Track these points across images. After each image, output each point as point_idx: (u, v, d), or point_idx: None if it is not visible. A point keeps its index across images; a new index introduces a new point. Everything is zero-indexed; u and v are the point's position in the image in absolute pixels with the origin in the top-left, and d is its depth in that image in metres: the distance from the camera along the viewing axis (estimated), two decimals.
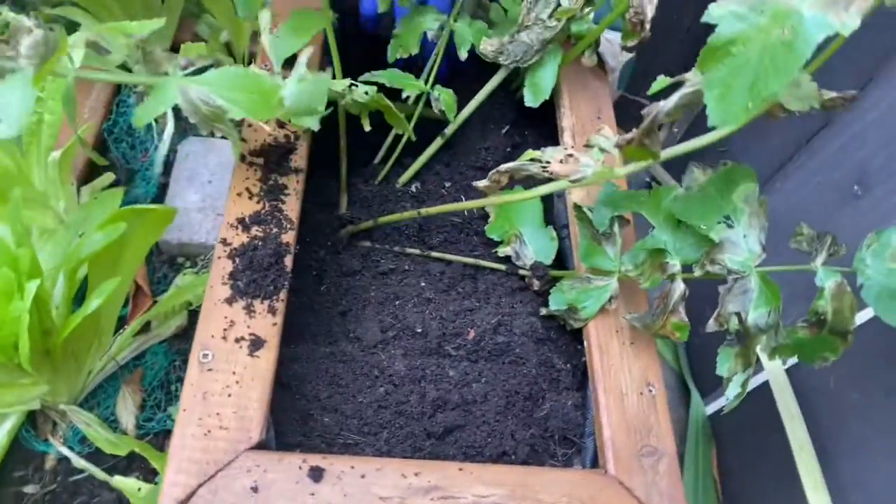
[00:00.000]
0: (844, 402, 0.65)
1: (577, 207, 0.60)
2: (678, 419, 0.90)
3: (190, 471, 0.46)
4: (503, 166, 0.54)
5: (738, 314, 0.50)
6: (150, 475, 0.80)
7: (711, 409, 0.87)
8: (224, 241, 0.56)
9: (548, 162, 0.51)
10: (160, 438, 0.83)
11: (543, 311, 0.63)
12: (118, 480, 0.77)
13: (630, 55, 0.74)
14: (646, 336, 0.59)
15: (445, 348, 0.62)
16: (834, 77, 0.74)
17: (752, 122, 0.95)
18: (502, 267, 0.67)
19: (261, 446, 0.48)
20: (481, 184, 0.57)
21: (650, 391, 0.57)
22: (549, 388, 0.62)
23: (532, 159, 0.52)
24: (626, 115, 1.11)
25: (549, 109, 0.74)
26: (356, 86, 0.61)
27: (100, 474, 0.78)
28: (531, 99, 0.68)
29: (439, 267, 0.67)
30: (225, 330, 0.52)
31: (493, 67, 0.69)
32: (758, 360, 0.75)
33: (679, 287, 0.52)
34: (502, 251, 0.67)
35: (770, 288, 0.50)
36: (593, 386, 0.56)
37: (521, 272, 0.66)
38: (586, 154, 0.52)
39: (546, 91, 0.67)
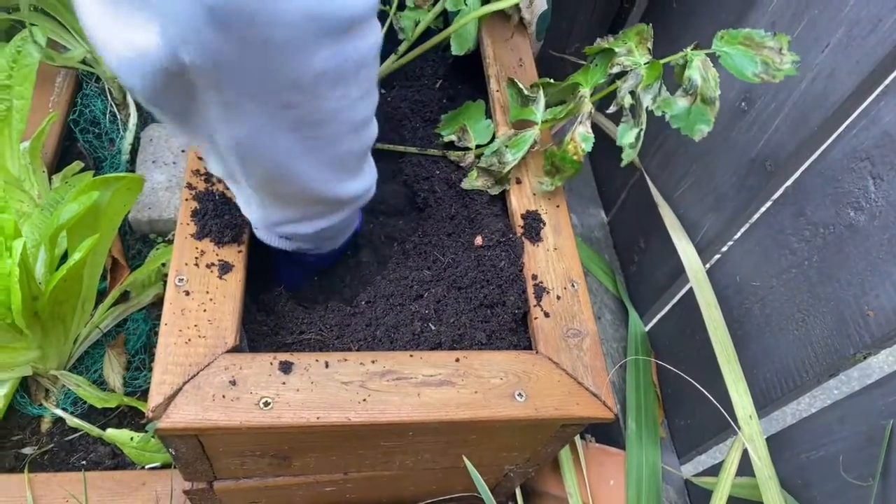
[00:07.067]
0: (748, 290, 0.75)
1: (510, 79, 0.73)
2: (622, 337, 0.99)
3: (175, 372, 0.53)
4: None
5: (631, 92, 0.63)
6: (140, 428, 0.86)
7: (649, 326, 0.97)
8: (189, 186, 0.63)
9: None
10: (146, 395, 0.89)
11: (466, 184, 0.72)
12: (111, 433, 0.83)
13: (543, 7, 0.83)
14: (568, 244, 0.68)
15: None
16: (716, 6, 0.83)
17: None
18: (440, 152, 0.76)
19: (235, 350, 0.56)
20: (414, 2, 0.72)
21: (573, 287, 0.65)
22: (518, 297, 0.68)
23: None
24: (555, 71, 1.21)
25: (478, 64, 0.83)
26: None
27: (94, 430, 0.84)
28: (457, 48, 0.76)
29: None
30: (196, 258, 0.59)
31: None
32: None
33: (587, 105, 0.65)
34: (447, 136, 0.77)
35: (654, 67, 0.62)
36: (527, 286, 0.65)
37: (456, 153, 0.75)
38: None
39: (469, 40, 0.76)
